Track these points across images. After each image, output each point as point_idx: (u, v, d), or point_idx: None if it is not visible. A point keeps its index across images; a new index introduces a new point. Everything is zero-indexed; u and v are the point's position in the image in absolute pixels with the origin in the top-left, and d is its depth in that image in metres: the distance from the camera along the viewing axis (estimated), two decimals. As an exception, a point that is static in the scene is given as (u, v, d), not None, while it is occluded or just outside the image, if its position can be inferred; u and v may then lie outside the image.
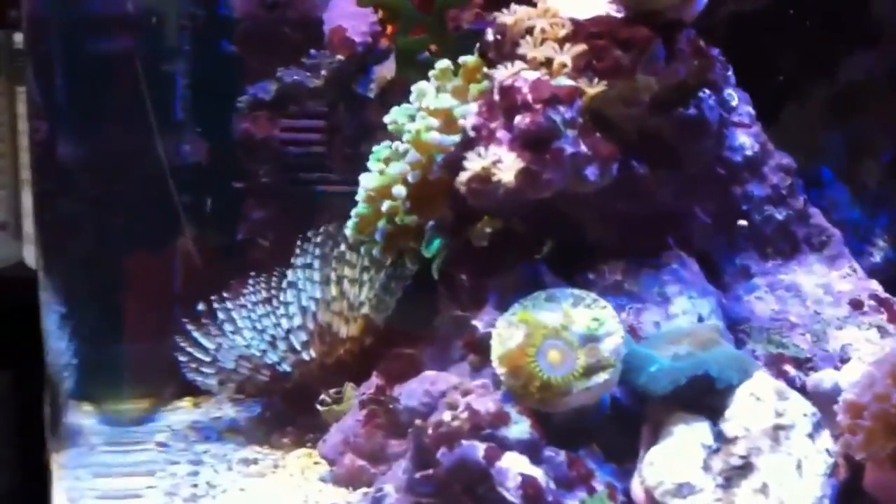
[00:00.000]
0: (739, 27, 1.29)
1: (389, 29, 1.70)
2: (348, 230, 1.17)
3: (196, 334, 1.56)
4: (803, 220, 1.17)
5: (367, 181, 1.13)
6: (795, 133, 1.45)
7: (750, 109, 1.14)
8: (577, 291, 1.03)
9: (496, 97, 1.06)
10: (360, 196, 1.13)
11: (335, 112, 1.79)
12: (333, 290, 1.50)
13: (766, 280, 1.16)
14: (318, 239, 1.55)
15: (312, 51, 1.83)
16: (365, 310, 1.43)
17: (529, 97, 1.01)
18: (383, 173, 1.14)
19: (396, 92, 1.73)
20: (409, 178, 1.14)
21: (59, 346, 1.61)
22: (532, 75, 1.04)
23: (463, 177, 1.04)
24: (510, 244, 1.14)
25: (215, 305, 1.55)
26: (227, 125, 1.98)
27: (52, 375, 1.57)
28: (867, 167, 1.46)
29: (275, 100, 1.79)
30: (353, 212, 1.15)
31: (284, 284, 1.55)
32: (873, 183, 1.47)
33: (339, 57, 1.68)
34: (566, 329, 0.99)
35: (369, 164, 1.21)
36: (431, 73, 1.17)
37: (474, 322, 1.08)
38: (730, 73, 1.11)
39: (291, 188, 1.99)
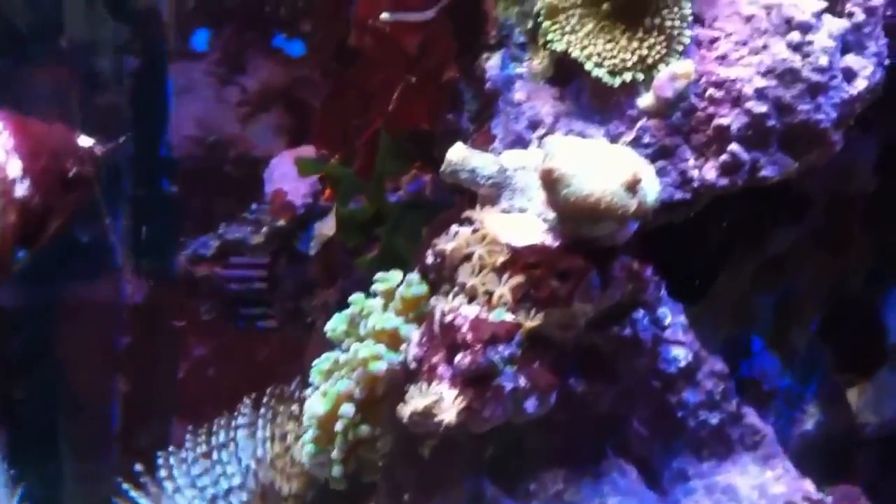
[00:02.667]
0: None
1: (329, 192, 1.73)
2: (305, 458, 1.16)
3: (134, 494, 1.55)
4: (737, 421, 1.20)
5: (314, 407, 1.13)
6: (726, 302, 1.50)
7: (683, 320, 1.18)
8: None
9: (436, 330, 1.09)
10: (308, 422, 1.14)
11: (276, 266, 1.81)
12: (277, 447, 1.50)
13: (703, 482, 1.19)
14: (265, 399, 1.56)
15: (254, 205, 1.85)
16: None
17: (469, 337, 1.03)
18: (327, 394, 1.15)
19: (337, 251, 1.75)
20: (357, 395, 1.15)
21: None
22: (471, 311, 1.06)
23: (405, 411, 1.06)
24: (454, 457, 1.16)
25: (156, 462, 1.55)
26: (169, 264, 1.99)
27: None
28: (796, 334, 1.51)
29: (216, 255, 1.81)
30: (305, 439, 1.14)
31: (225, 439, 1.55)
32: (803, 349, 1.52)
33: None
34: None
35: (311, 377, 1.22)
36: (376, 286, 1.18)
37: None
38: (663, 292, 1.14)
39: (234, 324, 2.01)
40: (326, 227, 1.73)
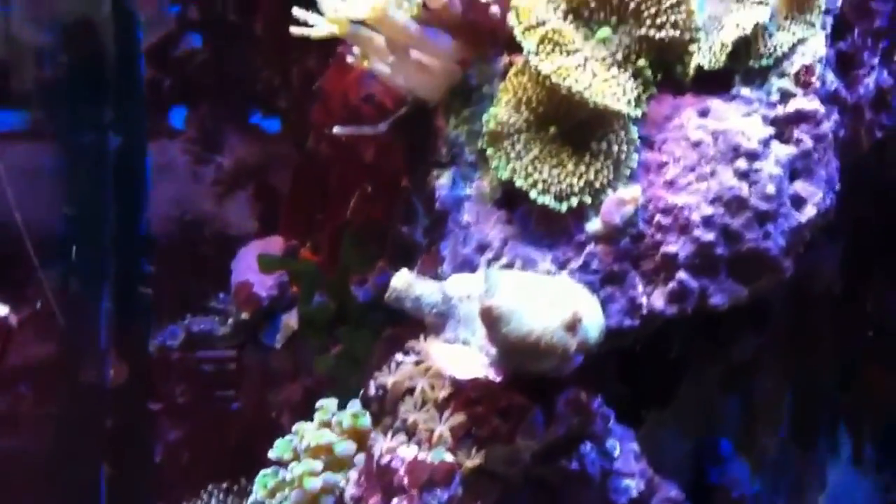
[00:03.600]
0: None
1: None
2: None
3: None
4: (692, 547, 1.19)
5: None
6: (692, 406, 1.48)
7: (635, 447, 1.15)
8: None
9: (374, 470, 1.07)
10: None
11: (243, 357, 1.80)
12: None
13: None
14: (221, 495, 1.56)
15: (221, 294, 1.85)
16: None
17: (406, 480, 1.02)
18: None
19: (302, 345, 1.74)
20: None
21: None
22: (409, 453, 1.04)
23: (342, 555, 1.05)
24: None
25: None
26: (143, 348, 1.99)
27: None
28: (766, 437, 1.49)
29: (183, 345, 1.80)
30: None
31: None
32: (773, 452, 1.50)
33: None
34: None
35: (255, 490, 1.21)
36: (317, 415, 1.17)
37: None
38: (611, 423, 1.12)
39: (207, 406, 2.00)
40: (292, 320, 1.72)
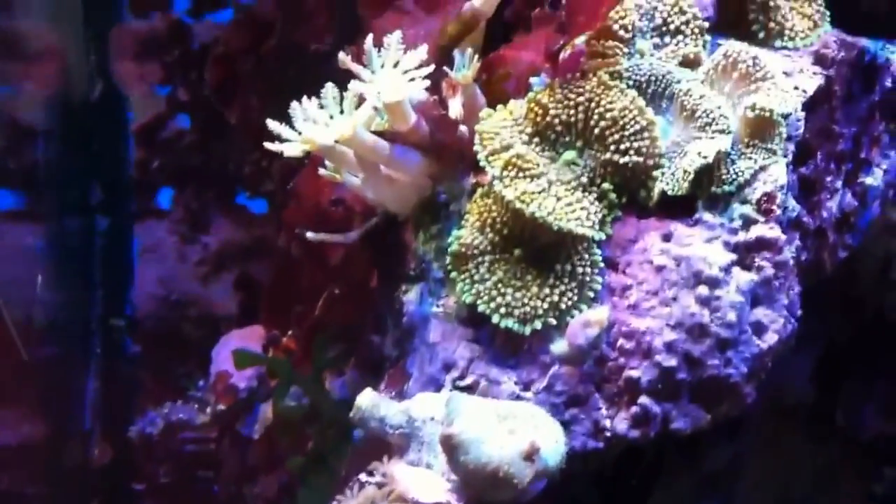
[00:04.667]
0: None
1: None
2: None
3: None
4: None
5: None
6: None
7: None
8: None
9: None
10: None
11: (221, 447, 1.80)
12: None
13: None
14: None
15: (201, 381, 1.85)
16: None
17: None
18: None
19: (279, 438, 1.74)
20: None
21: None
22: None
23: None
24: None
25: None
26: (127, 428, 2.00)
27: None
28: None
29: (162, 433, 1.80)
30: None
31: None
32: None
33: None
34: None
35: None
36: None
37: None
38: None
39: (190, 487, 2.00)
40: (270, 412, 1.72)
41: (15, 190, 2.11)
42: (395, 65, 1.13)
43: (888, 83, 1.29)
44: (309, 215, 1.37)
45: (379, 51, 1.12)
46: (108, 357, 2.10)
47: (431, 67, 1.12)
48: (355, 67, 1.13)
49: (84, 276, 2.11)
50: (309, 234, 1.30)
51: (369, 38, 1.12)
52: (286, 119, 1.21)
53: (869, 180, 1.27)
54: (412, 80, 1.10)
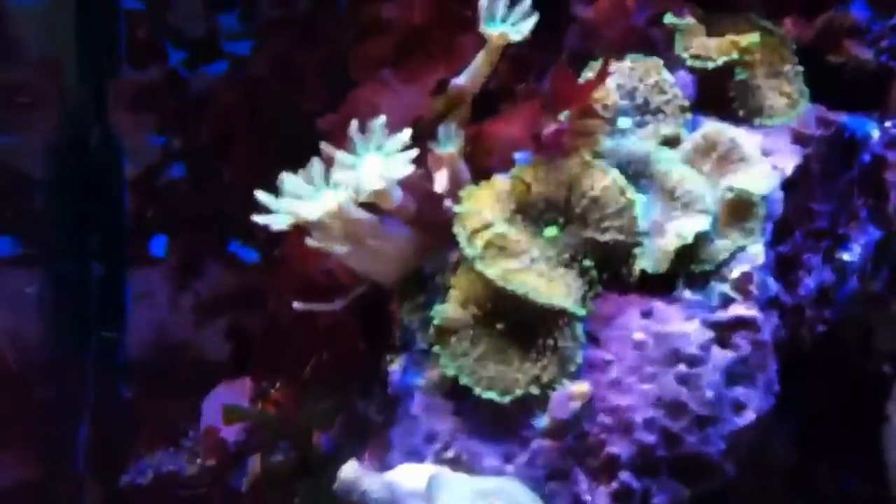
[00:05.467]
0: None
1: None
2: None
3: None
4: None
5: None
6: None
7: None
8: None
9: None
10: None
11: (210, 499, 1.81)
12: None
13: None
14: None
15: (191, 432, 1.87)
16: None
17: None
18: None
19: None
20: None
21: None
22: None
23: None
24: None
25: None
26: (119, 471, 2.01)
27: None
28: None
29: (151, 485, 1.81)
30: None
31: None
32: None
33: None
34: None
35: None
36: None
37: None
38: None
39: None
40: (259, 465, 1.73)
41: (12, 237, 2.14)
42: (379, 147, 1.16)
43: (867, 159, 1.32)
44: (296, 282, 1.39)
45: (363, 132, 1.16)
46: (102, 401, 2.12)
47: (415, 152, 1.15)
48: (338, 155, 1.15)
49: (78, 322, 2.13)
50: (295, 305, 1.31)
51: (354, 124, 1.15)
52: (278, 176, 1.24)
53: (847, 256, 1.29)
54: (395, 165, 1.13)
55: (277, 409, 1.67)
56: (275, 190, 1.24)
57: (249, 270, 2.20)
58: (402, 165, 1.16)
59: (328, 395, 1.53)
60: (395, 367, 1.26)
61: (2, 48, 2.16)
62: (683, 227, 1.16)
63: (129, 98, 2.21)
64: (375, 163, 1.16)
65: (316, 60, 1.87)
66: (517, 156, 1.26)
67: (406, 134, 1.16)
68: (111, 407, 2.13)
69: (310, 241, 1.33)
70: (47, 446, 2.11)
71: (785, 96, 1.31)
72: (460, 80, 1.26)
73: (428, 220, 1.24)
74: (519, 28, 1.23)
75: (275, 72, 1.84)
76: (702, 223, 1.16)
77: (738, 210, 1.19)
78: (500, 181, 1.23)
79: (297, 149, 1.58)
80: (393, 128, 1.24)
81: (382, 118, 1.16)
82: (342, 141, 1.24)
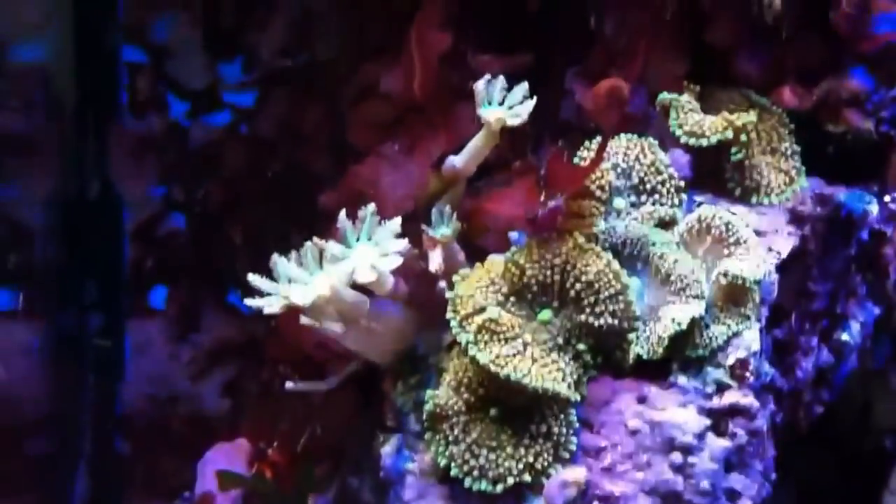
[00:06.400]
0: None
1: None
2: None
3: None
4: None
5: None
6: None
7: None
8: None
9: None
10: None
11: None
12: None
13: None
14: None
15: (187, 493, 1.86)
16: None
17: None
18: None
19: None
20: None
21: None
22: None
23: None
24: None
25: None
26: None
27: None
28: None
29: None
30: None
31: None
32: None
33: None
34: None
35: None
36: None
37: None
38: None
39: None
40: (255, 528, 1.72)
41: (11, 288, 2.14)
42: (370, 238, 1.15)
43: (865, 236, 1.31)
44: (290, 353, 1.38)
45: (353, 224, 1.15)
46: (98, 455, 2.11)
47: (406, 244, 1.15)
48: (328, 247, 1.13)
49: (77, 374, 2.13)
50: (288, 385, 1.30)
51: (342, 214, 1.15)
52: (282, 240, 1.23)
53: (845, 336, 1.28)
54: (388, 255, 1.12)
55: (273, 473, 1.67)
56: (280, 249, 1.24)
57: (249, 321, 2.20)
58: (392, 258, 1.14)
59: (322, 466, 1.52)
60: (388, 448, 1.24)
61: (3, 99, 2.17)
62: (678, 314, 1.15)
63: (129, 148, 2.21)
64: (367, 253, 1.15)
65: (316, 118, 1.87)
66: (512, 236, 1.26)
67: (396, 223, 1.15)
68: (107, 460, 2.13)
69: (304, 320, 1.33)
70: (43, 499, 2.10)
71: (782, 174, 1.30)
72: (457, 162, 1.25)
73: (422, 300, 1.24)
74: (516, 112, 1.22)
75: (279, 131, 1.84)
76: (696, 309, 1.15)
77: (733, 295, 1.18)
78: (495, 262, 1.22)
79: (303, 207, 1.59)
80: (393, 204, 1.24)
81: (372, 206, 1.16)
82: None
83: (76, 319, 2.19)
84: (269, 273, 1.22)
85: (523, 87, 1.22)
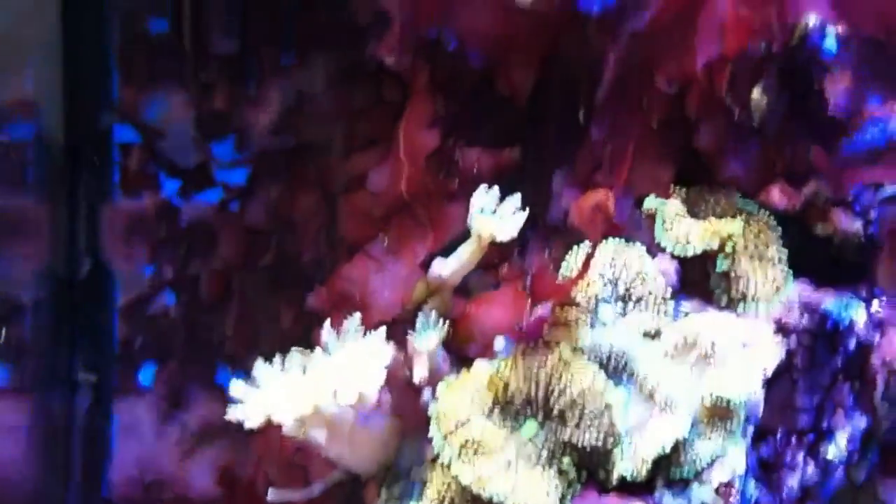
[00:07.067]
0: None
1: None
2: None
3: None
4: None
5: None
6: None
7: None
8: None
9: None
10: None
11: None
12: None
13: None
14: None
15: (172, 583, 1.84)
16: None
17: None
18: None
19: None
20: None
21: None
22: None
23: None
24: None
25: None
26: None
27: None
28: None
29: None
30: None
31: None
32: None
33: None
34: None
35: None
36: None
37: None
38: None
39: None
40: None
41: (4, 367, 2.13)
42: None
43: (852, 346, 1.30)
44: (274, 458, 1.37)
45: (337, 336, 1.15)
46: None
47: (389, 357, 1.14)
48: (312, 362, 1.13)
49: (63, 455, 2.11)
50: (270, 496, 1.28)
51: (326, 325, 1.14)
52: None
53: (832, 452, 1.27)
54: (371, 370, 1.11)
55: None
56: (274, 337, 1.23)
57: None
58: (376, 377, 1.13)
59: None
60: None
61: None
62: (663, 434, 1.13)
63: (121, 226, 2.21)
64: (350, 367, 1.15)
65: (308, 205, 1.87)
66: (497, 344, 1.25)
67: (381, 334, 1.15)
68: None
69: (286, 431, 1.31)
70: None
71: (769, 282, 1.30)
72: (444, 272, 1.25)
73: (406, 411, 1.23)
74: (507, 230, 1.21)
75: (270, 219, 1.84)
76: (681, 430, 1.14)
77: (718, 413, 1.16)
78: (480, 371, 1.21)
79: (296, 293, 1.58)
80: (379, 309, 1.24)
81: (356, 319, 1.15)
82: (332, 317, 1.24)
83: (64, 397, 2.18)
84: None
85: (515, 200, 1.23)
